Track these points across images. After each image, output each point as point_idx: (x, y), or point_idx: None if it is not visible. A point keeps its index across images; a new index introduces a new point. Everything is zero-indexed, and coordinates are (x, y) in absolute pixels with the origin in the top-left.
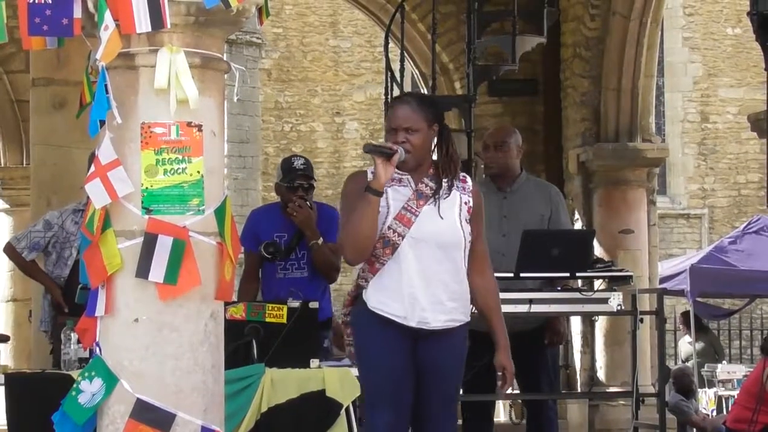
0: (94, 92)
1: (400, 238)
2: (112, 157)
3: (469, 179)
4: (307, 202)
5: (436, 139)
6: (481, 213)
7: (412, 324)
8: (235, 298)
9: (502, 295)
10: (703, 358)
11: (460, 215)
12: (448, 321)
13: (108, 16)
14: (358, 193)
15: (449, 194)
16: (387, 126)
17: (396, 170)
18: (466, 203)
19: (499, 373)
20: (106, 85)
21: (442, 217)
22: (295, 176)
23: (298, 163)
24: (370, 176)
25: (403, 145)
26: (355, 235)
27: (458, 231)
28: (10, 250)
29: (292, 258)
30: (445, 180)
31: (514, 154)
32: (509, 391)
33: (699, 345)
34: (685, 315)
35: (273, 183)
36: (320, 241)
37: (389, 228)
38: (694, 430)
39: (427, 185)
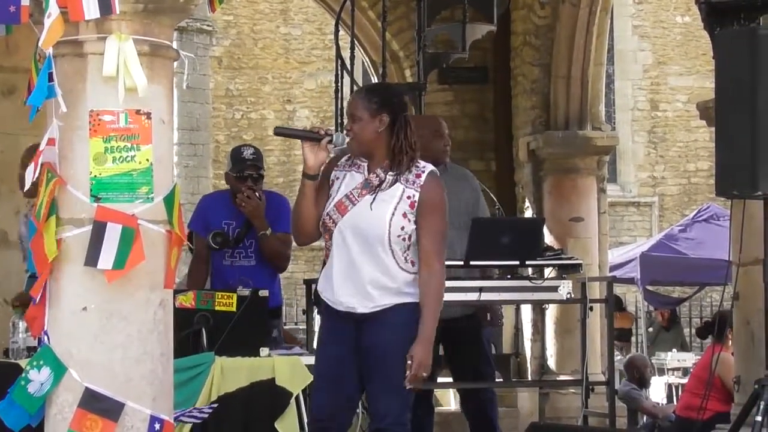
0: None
1: (334, 225)
2: (45, 142)
3: (425, 174)
4: (256, 192)
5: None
6: (433, 209)
7: (341, 309)
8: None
9: (452, 283)
10: (669, 344)
11: (396, 209)
12: (375, 307)
13: (53, 3)
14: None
15: (391, 187)
16: None
17: (361, 157)
18: (409, 197)
19: (408, 362)
20: (50, 73)
21: (371, 209)
22: (244, 166)
23: (247, 153)
24: (342, 161)
25: (347, 132)
26: (294, 215)
27: (383, 224)
28: None
29: (240, 246)
30: (391, 173)
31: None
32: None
33: (670, 334)
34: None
35: (224, 171)
36: (269, 231)
37: (327, 215)
38: (645, 418)
39: (377, 176)
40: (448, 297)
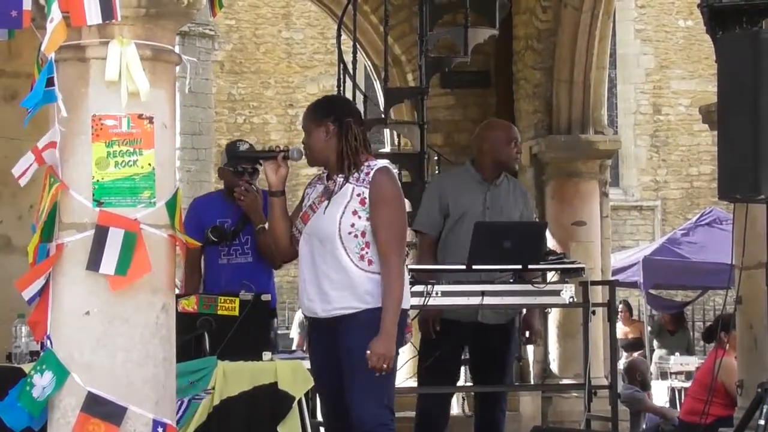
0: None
1: (300, 234)
2: (42, 144)
3: (374, 170)
4: (253, 186)
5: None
6: (383, 202)
7: (306, 314)
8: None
9: (455, 287)
10: (674, 348)
11: (345, 208)
12: (334, 310)
13: (55, 8)
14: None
15: (341, 188)
16: None
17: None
18: (359, 195)
19: (368, 353)
20: (50, 78)
21: (325, 213)
22: (240, 161)
23: (242, 148)
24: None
25: (304, 147)
26: (269, 235)
27: (333, 224)
28: None
29: (236, 243)
30: (341, 175)
31: None
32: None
33: (676, 338)
34: (674, 316)
35: None
36: (266, 225)
37: (295, 227)
38: (647, 421)
39: (335, 182)
40: (453, 300)
